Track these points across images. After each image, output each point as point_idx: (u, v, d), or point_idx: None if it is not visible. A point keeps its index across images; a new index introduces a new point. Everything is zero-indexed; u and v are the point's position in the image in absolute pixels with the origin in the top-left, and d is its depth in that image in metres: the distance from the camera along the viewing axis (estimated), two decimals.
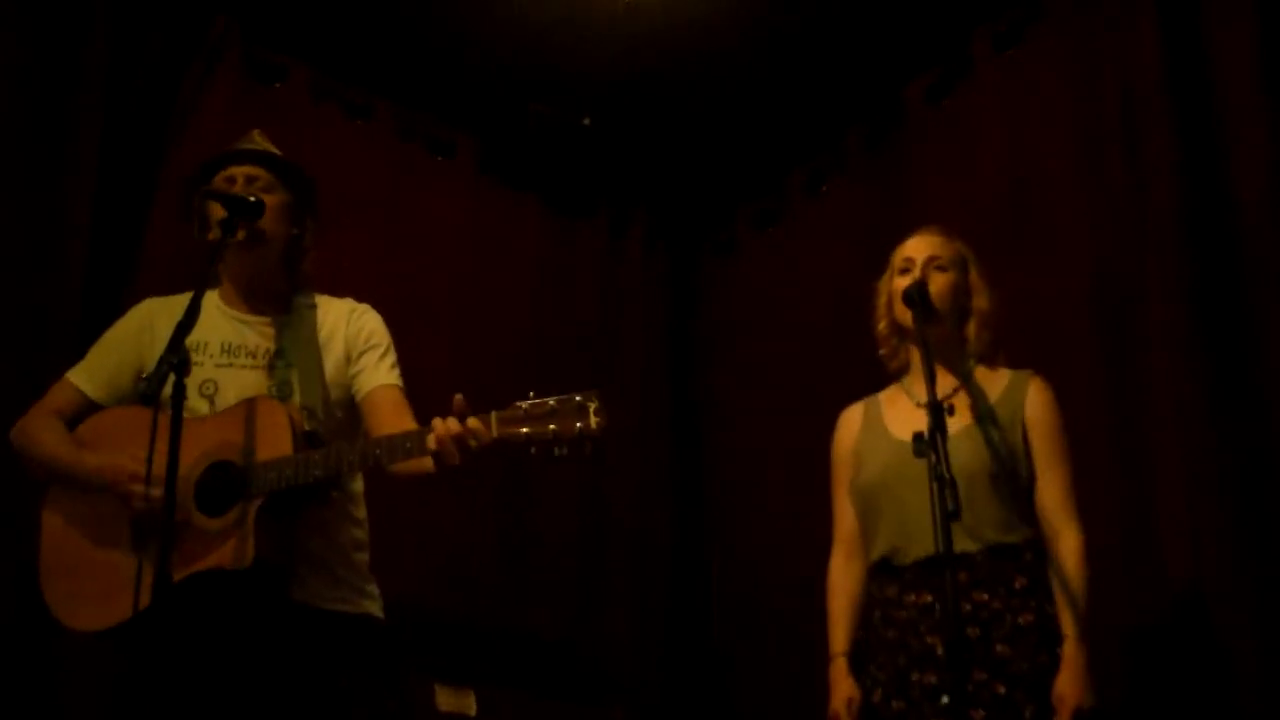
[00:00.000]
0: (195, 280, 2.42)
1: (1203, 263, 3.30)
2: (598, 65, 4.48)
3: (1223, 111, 3.36)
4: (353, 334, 2.68)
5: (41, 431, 2.57)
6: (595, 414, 2.30)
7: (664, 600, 4.84)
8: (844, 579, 2.93)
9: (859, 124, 4.68)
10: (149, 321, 2.66)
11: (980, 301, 2.88)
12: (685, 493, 5.07)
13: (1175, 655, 3.21)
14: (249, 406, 2.48)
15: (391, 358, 2.69)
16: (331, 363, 2.64)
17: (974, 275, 2.91)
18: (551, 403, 2.30)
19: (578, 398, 2.30)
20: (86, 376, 2.64)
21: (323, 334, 2.66)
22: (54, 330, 3.59)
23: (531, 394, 2.33)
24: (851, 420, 3.01)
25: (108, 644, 2.46)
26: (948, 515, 2.28)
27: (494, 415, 2.31)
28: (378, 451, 2.39)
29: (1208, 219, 3.32)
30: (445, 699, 3.66)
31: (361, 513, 2.67)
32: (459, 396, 2.32)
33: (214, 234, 2.57)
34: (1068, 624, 2.62)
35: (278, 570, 2.42)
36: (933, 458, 2.32)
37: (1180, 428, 3.24)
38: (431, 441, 2.30)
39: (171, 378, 2.19)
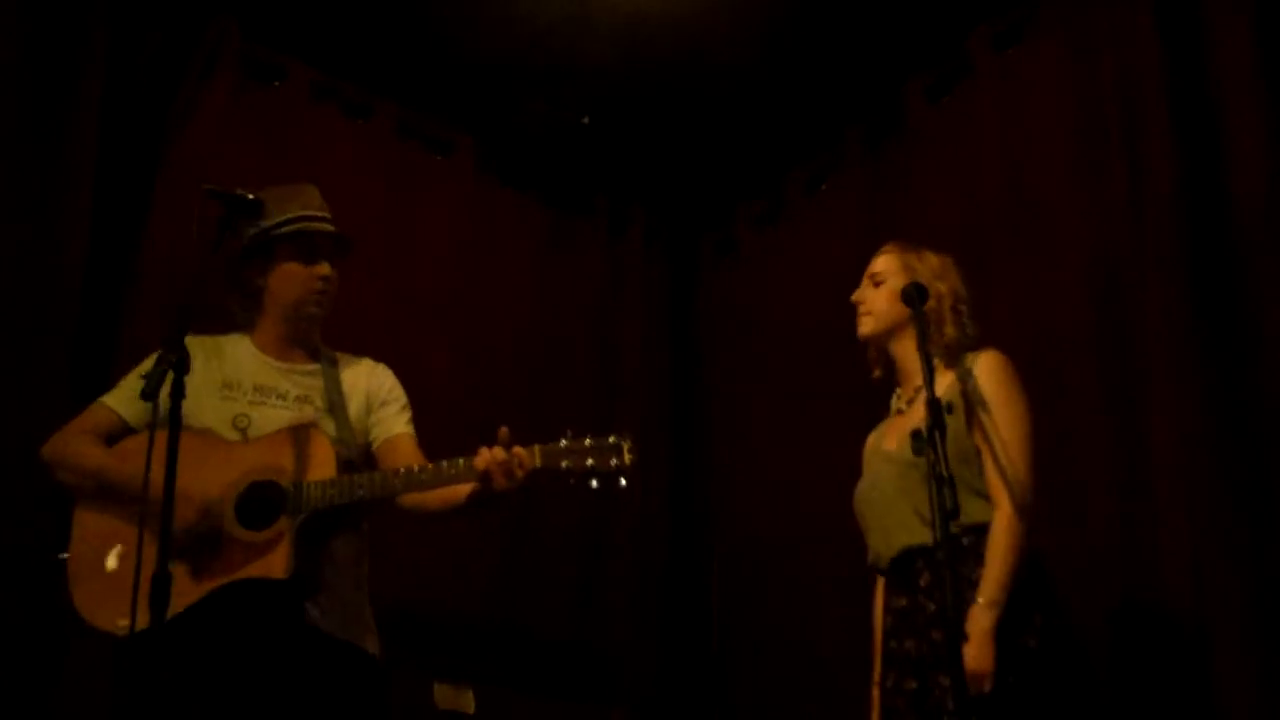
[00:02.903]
0: (196, 282, 2.55)
1: (1202, 261, 3.30)
2: (598, 65, 4.48)
3: (1222, 111, 3.36)
4: (374, 387, 2.88)
5: (87, 446, 2.67)
6: (629, 452, 2.56)
7: (664, 600, 4.84)
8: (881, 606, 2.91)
9: (858, 124, 4.67)
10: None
11: (928, 303, 2.79)
12: (685, 492, 5.07)
13: (1174, 655, 3.20)
14: (293, 433, 2.66)
15: (408, 412, 2.90)
16: (353, 410, 2.83)
17: (925, 282, 2.80)
18: (589, 441, 2.57)
19: (612, 438, 2.58)
20: (123, 402, 2.73)
21: (345, 385, 2.85)
22: (53, 330, 3.59)
23: (569, 432, 2.59)
24: (867, 445, 3.05)
25: (109, 648, 2.57)
26: (947, 515, 2.27)
27: (537, 447, 2.56)
28: (423, 476, 2.59)
29: (1207, 217, 3.32)
30: (443, 697, 3.66)
31: (366, 549, 2.81)
32: (504, 429, 2.55)
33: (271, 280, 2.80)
34: (980, 592, 2.57)
35: (306, 587, 2.57)
36: (931, 455, 2.32)
37: (1179, 428, 3.24)
38: (480, 463, 2.51)
39: (172, 379, 2.25)
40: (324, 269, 2.84)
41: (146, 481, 2.22)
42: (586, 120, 4.78)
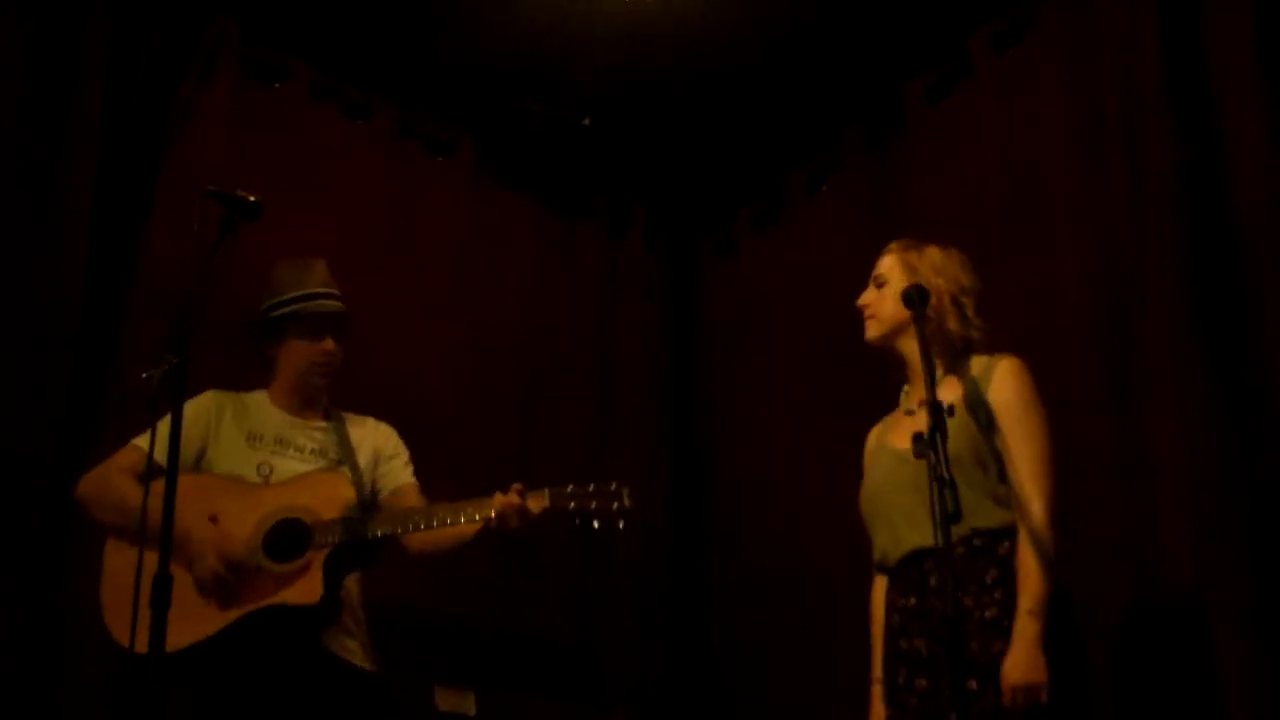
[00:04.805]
0: (196, 282, 2.50)
1: (1202, 262, 3.30)
2: (598, 65, 4.48)
3: (1222, 111, 3.36)
4: (381, 443, 3.15)
5: (123, 486, 2.83)
6: (628, 497, 2.85)
7: (664, 600, 4.84)
8: (881, 603, 2.90)
9: (858, 124, 4.67)
10: (216, 412, 3.02)
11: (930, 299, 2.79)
12: (685, 492, 5.07)
13: (1174, 656, 3.20)
14: (317, 476, 2.94)
15: (411, 465, 3.16)
16: (363, 462, 3.07)
17: (925, 280, 2.82)
18: (592, 487, 2.86)
19: (614, 485, 2.86)
20: (156, 446, 2.82)
21: (354, 440, 3.10)
22: (54, 331, 3.59)
23: (572, 485, 2.86)
24: (869, 441, 3.04)
25: (109, 652, 2.71)
26: (948, 517, 2.27)
27: (546, 490, 2.85)
28: (441, 513, 2.85)
29: (1207, 218, 3.32)
30: (445, 699, 3.66)
31: (363, 588, 3.02)
32: (518, 484, 2.83)
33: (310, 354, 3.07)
34: (1021, 600, 2.56)
35: (327, 615, 2.80)
36: (932, 458, 2.31)
37: (1180, 428, 3.24)
38: (497, 505, 2.79)
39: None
40: (328, 345, 3.07)
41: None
42: (587, 121, 4.78)
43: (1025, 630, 2.53)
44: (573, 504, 2.83)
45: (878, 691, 2.81)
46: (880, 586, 2.92)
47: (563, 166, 5.06)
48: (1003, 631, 2.57)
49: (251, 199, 2.55)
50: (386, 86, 4.60)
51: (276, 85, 4.37)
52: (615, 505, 2.83)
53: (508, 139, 4.88)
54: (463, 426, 4.43)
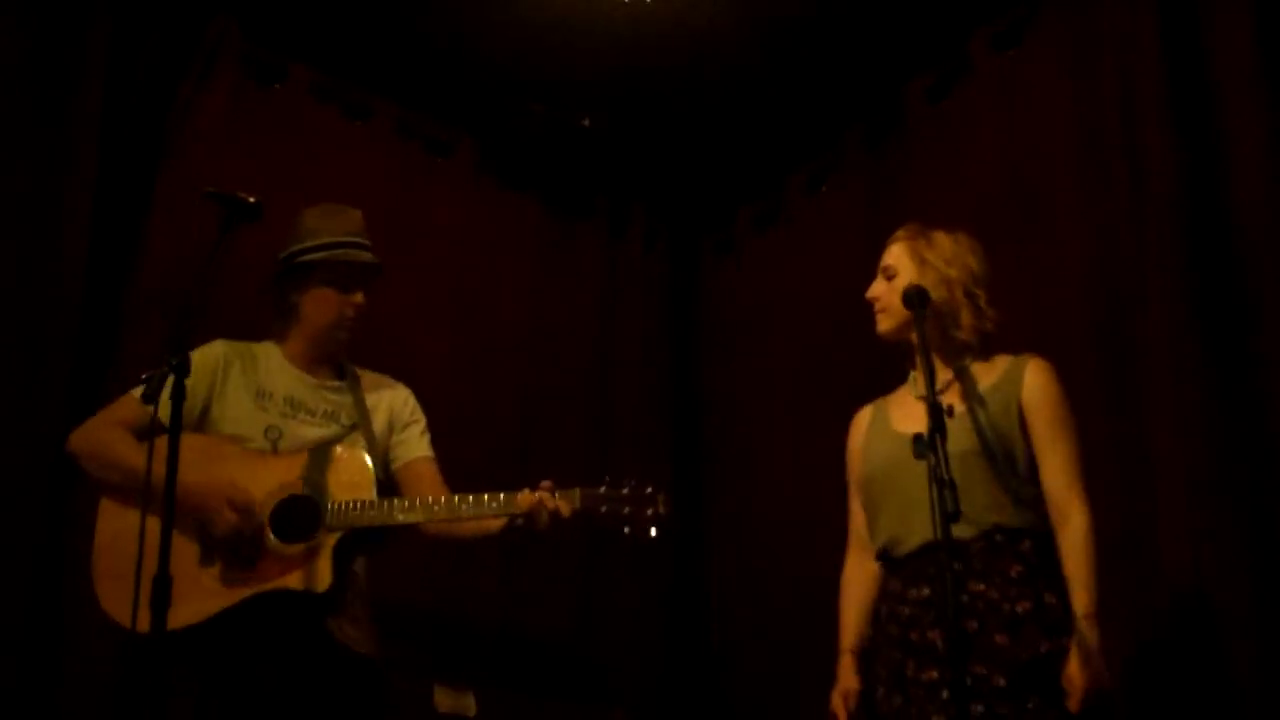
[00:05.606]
0: (196, 282, 2.51)
1: (1202, 262, 3.30)
2: (598, 65, 4.48)
3: (1222, 112, 3.36)
4: (397, 408, 2.98)
5: (118, 441, 2.69)
6: (663, 503, 2.69)
7: (664, 601, 4.84)
8: (856, 578, 2.91)
9: (858, 124, 4.67)
10: (222, 363, 2.85)
11: (939, 291, 2.80)
12: (685, 492, 5.06)
13: (1174, 655, 3.20)
14: (330, 450, 2.75)
15: (428, 435, 3.00)
16: (377, 428, 2.91)
17: (932, 272, 2.83)
18: (627, 489, 2.69)
19: (649, 489, 2.70)
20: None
21: (369, 402, 2.93)
22: (54, 331, 3.59)
23: (607, 479, 2.70)
24: (861, 421, 3.02)
25: (110, 648, 2.70)
26: (948, 517, 2.27)
27: (577, 491, 2.68)
28: (465, 507, 2.69)
29: (1207, 219, 3.32)
30: (444, 699, 3.66)
31: (371, 569, 2.89)
32: (549, 481, 2.68)
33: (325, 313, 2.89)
34: (1078, 605, 2.56)
35: (335, 601, 2.65)
36: (932, 459, 2.31)
37: (1180, 428, 3.24)
38: (525, 502, 2.64)
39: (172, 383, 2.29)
40: (358, 298, 2.90)
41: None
42: (587, 122, 4.78)
43: (1088, 636, 2.53)
44: (604, 508, 2.67)
45: (847, 662, 2.82)
46: (855, 563, 2.92)
47: (563, 166, 5.06)
48: (1046, 631, 2.56)
49: (251, 199, 2.54)
50: (386, 86, 4.60)
51: (276, 85, 4.37)
52: (650, 511, 2.67)
53: (508, 139, 4.89)
54: (463, 426, 4.42)
